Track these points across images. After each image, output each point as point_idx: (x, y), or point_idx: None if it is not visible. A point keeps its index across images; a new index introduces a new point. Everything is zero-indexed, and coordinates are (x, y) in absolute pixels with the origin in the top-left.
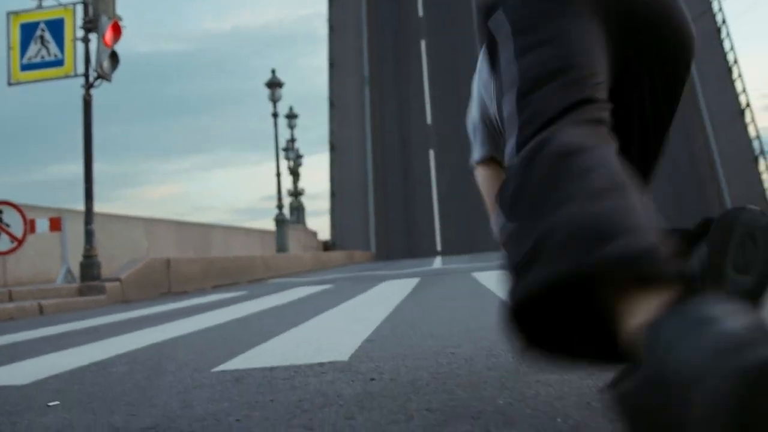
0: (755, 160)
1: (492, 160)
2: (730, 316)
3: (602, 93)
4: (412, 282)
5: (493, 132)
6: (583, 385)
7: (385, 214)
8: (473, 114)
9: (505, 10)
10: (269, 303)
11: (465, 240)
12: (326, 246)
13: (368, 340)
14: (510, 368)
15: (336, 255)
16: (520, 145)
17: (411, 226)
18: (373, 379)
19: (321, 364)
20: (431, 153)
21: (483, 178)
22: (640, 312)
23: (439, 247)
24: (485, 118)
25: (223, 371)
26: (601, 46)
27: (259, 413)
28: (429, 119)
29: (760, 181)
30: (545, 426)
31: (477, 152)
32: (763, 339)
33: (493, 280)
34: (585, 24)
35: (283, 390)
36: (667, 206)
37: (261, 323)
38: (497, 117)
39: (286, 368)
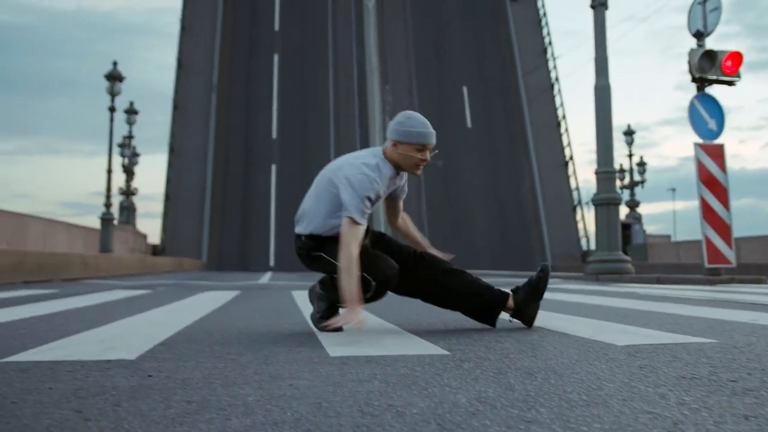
0: (573, 210)
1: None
2: None
3: None
4: (231, 294)
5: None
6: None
7: (220, 224)
8: (377, 189)
9: None
10: (77, 303)
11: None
12: (155, 250)
13: (162, 343)
14: (272, 372)
15: (164, 260)
16: None
17: (246, 239)
18: (150, 376)
19: (108, 362)
20: (273, 167)
21: (357, 231)
22: None
23: (272, 263)
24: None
25: (8, 362)
26: None
27: (34, 397)
28: (274, 134)
29: (576, 228)
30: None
31: (363, 216)
32: None
33: (304, 298)
34: None
35: (64, 380)
36: (495, 242)
37: (61, 321)
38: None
39: (73, 363)
